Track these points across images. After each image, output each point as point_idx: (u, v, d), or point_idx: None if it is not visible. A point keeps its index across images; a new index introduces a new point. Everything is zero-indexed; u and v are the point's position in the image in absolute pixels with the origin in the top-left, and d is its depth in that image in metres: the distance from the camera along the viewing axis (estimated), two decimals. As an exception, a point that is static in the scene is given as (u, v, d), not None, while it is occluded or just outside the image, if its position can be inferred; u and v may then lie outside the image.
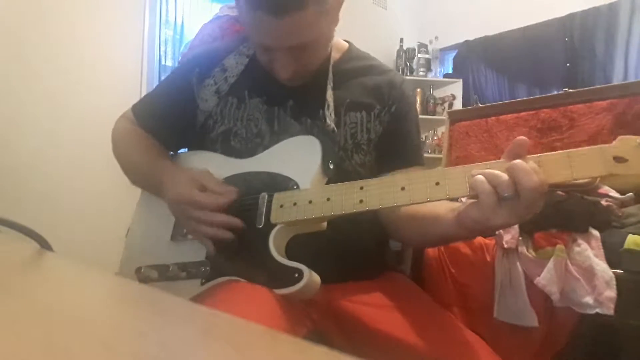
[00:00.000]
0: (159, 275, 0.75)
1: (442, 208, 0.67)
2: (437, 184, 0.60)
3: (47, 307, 0.30)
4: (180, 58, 2.35)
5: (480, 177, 0.56)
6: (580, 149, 0.57)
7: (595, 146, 0.57)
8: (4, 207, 1.80)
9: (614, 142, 0.57)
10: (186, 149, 0.94)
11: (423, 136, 3.59)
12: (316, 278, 0.63)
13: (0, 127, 2.01)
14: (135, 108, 0.95)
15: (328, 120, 0.79)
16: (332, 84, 0.82)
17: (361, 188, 0.64)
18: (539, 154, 0.58)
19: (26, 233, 0.47)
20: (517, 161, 0.55)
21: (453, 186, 0.60)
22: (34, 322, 0.26)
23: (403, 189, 0.62)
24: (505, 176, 0.55)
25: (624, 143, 0.56)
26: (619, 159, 0.56)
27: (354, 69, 0.88)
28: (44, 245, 0.48)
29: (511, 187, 0.54)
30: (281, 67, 0.75)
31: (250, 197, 0.74)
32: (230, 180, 0.78)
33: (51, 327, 0.25)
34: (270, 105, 0.84)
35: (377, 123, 0.85)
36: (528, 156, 0.58)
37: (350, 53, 0.91)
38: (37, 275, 0.42)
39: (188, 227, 0.76)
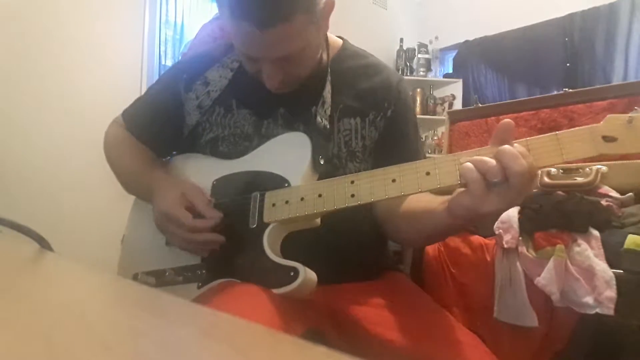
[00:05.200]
0: (156, 280, 0.76)
1: (435, 202, 0.66)
2: (428, 173, 0.60)
3: (47, 307, 0.30)
4: (180, 58, 2.35)
5: (469, 164, 0.56)
6: (568, 130, 0.56)
7: (584, 126, 0.55)
8: (4, 207, 1.80)
9: (602, 122, 0.55)
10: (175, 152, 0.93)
11: (423, 136, 3.59)
12: (312, 276, 0.63)
13: (1, 126, 2.01)
14: (125, 114, 0.94)
15: (319, 118, 0.77)
16: (330, 82, 0.80)
17: (352, 182, 0.64)
18: (527, 138, 0.57)
19: (26, 233, 0.47)
20: (505, 146, 0.54)
21: (443, 175, 0.59)
22: (34, 322, 0.26)
23: (394, 180, 0.61)
24: (493, 162, 0.54)
25: (612, 121, 0.55)
26: (608, 138, 0.54)
27: (349, 69, 0.85)
28: (44, 245, 0.48)
29: (500, 172, 0.53)
30: (267, 77, 0.73)
31: (242, 198, 0.73)
32: (221, 181, 0.78)
33: (51, 327, 0.25)
34: (259, 117, 0.82)
35: (372, 129, 0.83)
36: (516, 140, 0.57)
37: (345, 51, 0.88)
38: (37, 275, 0.42)
39: (170, 241, 0.77)
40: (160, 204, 0.74)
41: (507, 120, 0.57)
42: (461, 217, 0.60)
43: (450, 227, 0.65)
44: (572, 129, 0.56)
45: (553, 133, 0.56)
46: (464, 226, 0.70)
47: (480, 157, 0.55)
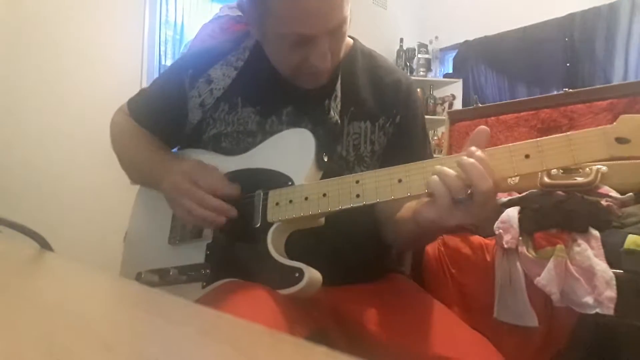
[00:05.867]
0: (160, 279, 0.75)
1: (410, 209, 0.67)
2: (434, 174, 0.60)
3: (47, 307, 0.30)
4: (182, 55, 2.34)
5: (435, 177, 0.57)
6: (581, 131, 0.54)
7: (597, 127, 0.54)
8: (4, 207, 1.80)
9: (615, 122, 0.53)
10: (178, 148, 0.93)
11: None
12: (317, 275, 0.63)
13: (1, 126, 2.01)
14: (130, 104, 0.94)
15: (332, 112, 0.77)
16: (341, 78, 0.80)
17: (357, 182, 0.63)
18: (537, 139, 0.56)
19: (26, 233, 0.47)
20: (472, 162, 0.55)
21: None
22: (34, 322, 0.26)
23: (400, 181, 0.61)
24: (459, 180, 0.55)
25: (626, 122, 0.53)
26: (621, 140, 0.52)
27: (360, 69, 0.85)
28: (44, 245, 0.48)
29: (465, 190, 0.55)
30: (322, 56, 0.71)
31: (246, 196, 0.73)
32: None
33: (51, 327, 0.25)
34: (263, 115, 0.82)
35: (381, 134, 0.82)
36: (527, 141, 0.56)
37: (356, 51, 0.88)
38: (37, 275, 0.42)
39: (181, 211, 0.73)
40: (179, 167, 0.75)
41: (482, 127, 0.59)
42: (425, 227, 0.61)
43: (418, 234, 0.66)
44: (584, 130, 0.54)
45: (565, 134, 0.54)
46: (429, 236, 0.71)
47: (447, 171, 0.57)
